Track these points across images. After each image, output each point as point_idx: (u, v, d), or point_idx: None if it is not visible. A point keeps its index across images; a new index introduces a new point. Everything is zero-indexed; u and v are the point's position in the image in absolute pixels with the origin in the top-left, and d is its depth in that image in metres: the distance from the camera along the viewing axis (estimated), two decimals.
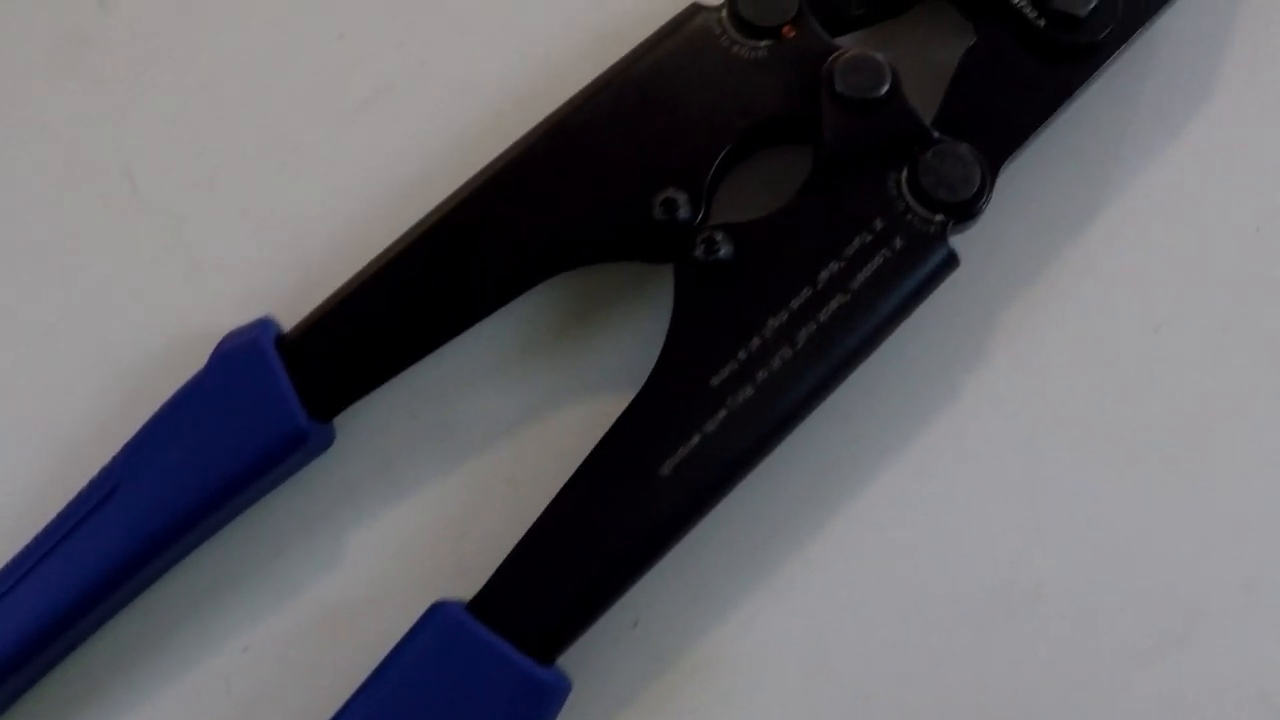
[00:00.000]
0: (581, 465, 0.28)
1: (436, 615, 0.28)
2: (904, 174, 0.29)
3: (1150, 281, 0.31)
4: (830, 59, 0.30)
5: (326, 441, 0.31)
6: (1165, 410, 0.31)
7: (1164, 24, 0.32)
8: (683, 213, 0.29)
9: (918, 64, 0.32)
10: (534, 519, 0.29)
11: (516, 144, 0.30)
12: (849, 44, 0.31)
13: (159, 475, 0.30)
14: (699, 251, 0.29)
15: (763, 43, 0.30)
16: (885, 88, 0.29)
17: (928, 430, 0.30)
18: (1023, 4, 0.30)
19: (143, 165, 0.33)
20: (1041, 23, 0.30)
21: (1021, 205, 0.32)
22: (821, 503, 0.30)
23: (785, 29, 0.30)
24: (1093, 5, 0.30)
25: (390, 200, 0.32)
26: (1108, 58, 0.31)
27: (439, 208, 0.30)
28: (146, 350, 0.32)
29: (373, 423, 0.31)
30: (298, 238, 0.32)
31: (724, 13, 0.30)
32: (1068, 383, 0.31)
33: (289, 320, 0.30)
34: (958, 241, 0.30)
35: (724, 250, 0.29)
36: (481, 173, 0.31)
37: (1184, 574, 0.30)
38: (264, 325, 0.30)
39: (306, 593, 0.30)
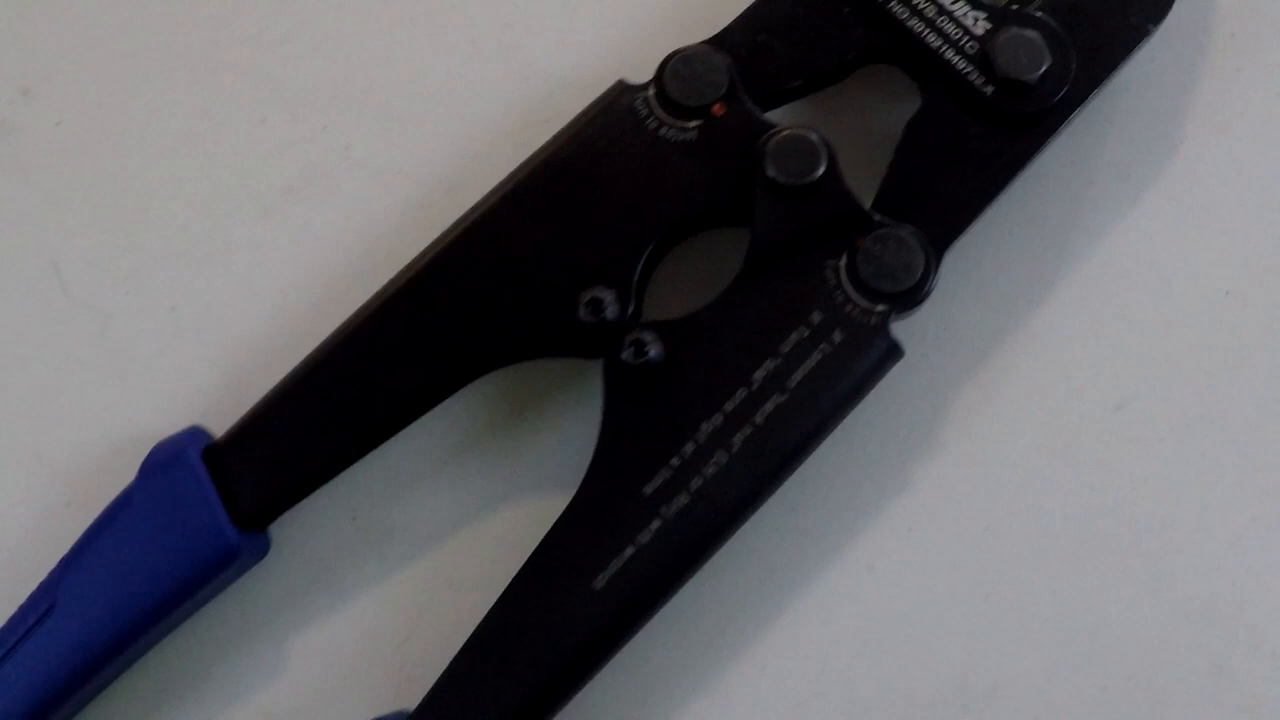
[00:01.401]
0: (514, 579, 0.27)
1: None
2: (842, 261, 0.27)
3: (1112, 356, 0.29)
4: (762, 140, 0.28)
5: (262, 550, 0.30)
6: (1127, 493, 0.29)
7: (1123, 77, 0.29)
8: (610, 312, 0.27)
9: (861, 131, 0.30)
10: (477, 622, 0.27)
11: (440, 239, 0.29)
12: (785, 118, 0.28)
13: (94, 594, 0.29)
14: (627, 354, 0.27)
15: (692, 123, 0.28)
16: (819, 171, 0.27)
17: (877, 523, 0.28)
18: (969, 70, 0.28)
19: (70, 260, 0.32)
20: (989, 90, 0.28)
21: (972, 279, 0.30)
22: (768, 599, 0.29)
23: (715, 107, 0.28)
24: (1043, 69, 0.28)
25: (317, 294, 0.31)
26: (1062, 123, 0.28)
27: (363, 307, 0.29)
28: (79, 454, 0.31)
29: (310, 526, 0.30)
30: (225, 336, 0.31)
31: (651, 92, 0.28)
32: (1023, 469, 0.29)
33: (221, 422, 0.29)
34: (903, 325, 0.28)
35: (653, 351, 0.27)
36: (406, 270, 0.29)
37: (1147, 664, 0.28)
38: (192, 435, 0.29)
39: (248, 702, 0.29)
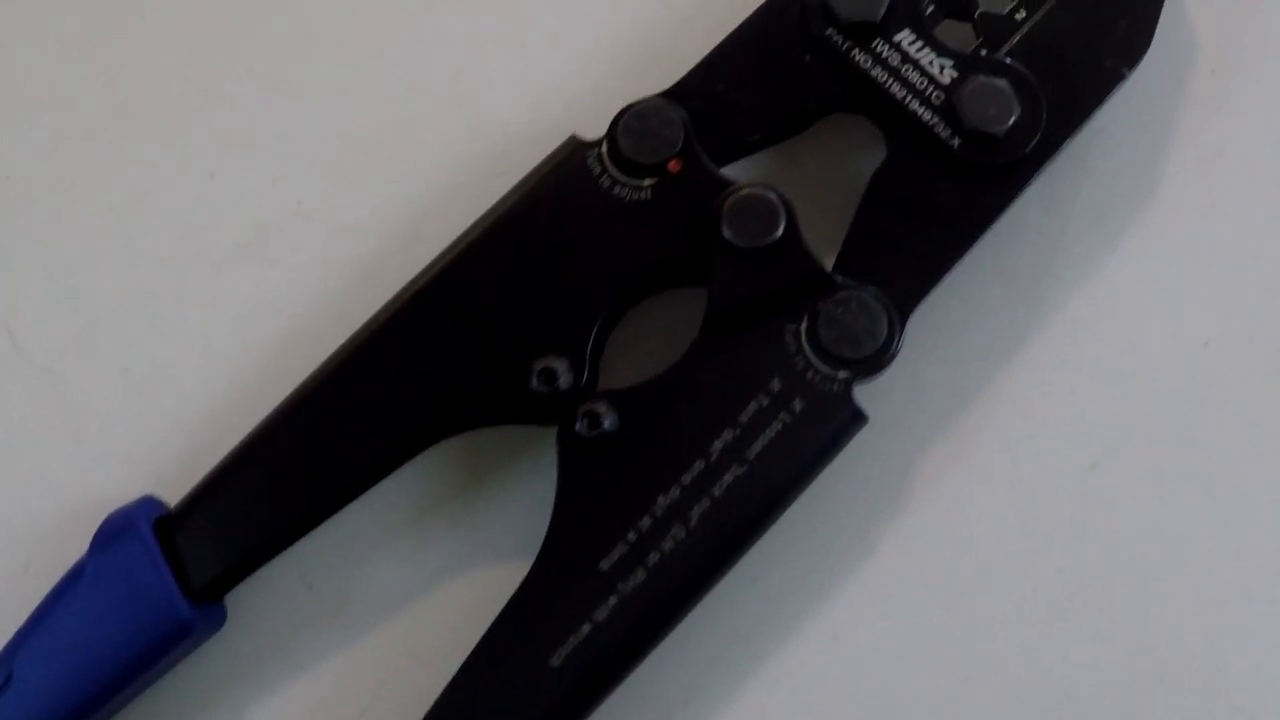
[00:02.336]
0: (470, 656, 0.26)
1: None
2: (803, 326, 0.26)
3: (1086, 412, 0.28)
4: (719, 199, 0.26)
5: (218, 621, 0.29)
6: (1102, 554, 0.27)
7: (1098, 119, 0.28)
8: (563, 382, 0.26)
9: (824, 181, 0.28)
10: (437, 692, 0.26)
11: (390, 304, 0.27)
12: (744, 170, 0.27)
13: (50, 668, 0.28)
14: (581, 426, 0.26)
15: (645, 181, 0.27)
16: (778, 232, 0.26)
17: (845, 589, 0.27)
18: (934, 122, 0.27)
19: (22, 320, 0.30)
20: (956, 142, 0.26)
21: (941, 334, 0.28)
22: (733, 667, 0.28)
23: (670, 164, 0.27)
24: (1012, 121, 0.26)
25: (272, 354, 0.29)
26: (1033, 175, 0.27)
27: (315, 373, 0.28)
28: (36, 518, 0.30)
29: (267, 594, 0.29)
30: (180, 397, 0.29)
31: (604, 148, 0.27)
32: (995, 531, 0.28)
33: (177, 485, 0.28)
34: (868, 384, 0.27)
35: (608, 422, 0.26)
36: (356, 335, 0.28)
37: None
38: (144, 507, 0.28)
39: None
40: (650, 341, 0.28)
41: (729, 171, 0.28)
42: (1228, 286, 0.29)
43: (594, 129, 0.28)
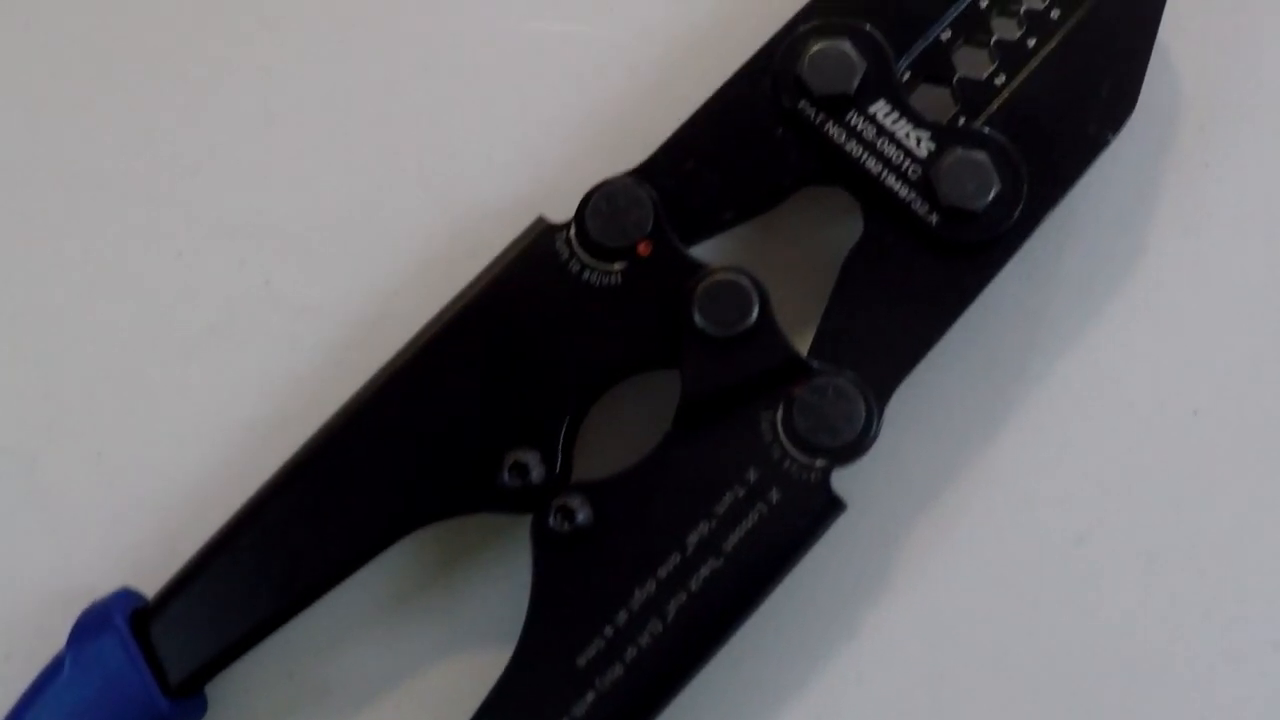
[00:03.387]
0: None
1: None
2: (778, 414, 0.25)
3: (1072, 487, 0.27)
4: (690, 283, 0.25)
5: (197, 713, 0.28)
6: (1089, 633, 0.26)
7: (1082, 185, 0.27)
8: (535, 475, 0.25)
9: (800, 255, 0.27)
10: None
11: (362, 391, 0.26)
12: (717, 246, 0.26)
13: None
14: (554, 521, 0.25)
15: (615, 265, 0.26)
16: (750, 319, 0.25)
17: (826, 673, 0.26)
18: (912, 198, 0.26)
19: None
20: (934, 219, 0.25)
21: (921, 411, 0.27)
22: None
23: (640, 246, 0.25)
24: (991, 196, 0.25)
25: (244, 439, 0.28)
26: (1014, 251, 0.26)
27: (288, 464, 0.27)
28: (14, 606, 0.29)
29: (247, 683, 0.28)
30: (155, 483, 0.29)
31: (572, 232, 0.26)
32: (979, 611, 0.27)
33: (154, 573, 0.28)
34: (848, 467, 0.26)
35: (582, 515, 0.25)
36: (328, 424, 0.27)
37: None
38: (121, 598, 0.27)
39: None
40: (625, 425, 0.27)
41: (702, 249, 0.26)
42: (1217, 353, 0.27)
43: (564, 203, 0.27)
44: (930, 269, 0.25)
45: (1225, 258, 0.28)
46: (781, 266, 0.27)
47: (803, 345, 0.26)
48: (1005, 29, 0.27)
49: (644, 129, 0.27)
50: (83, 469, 0.30)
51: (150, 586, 0.28)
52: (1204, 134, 0.28)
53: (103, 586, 0.28)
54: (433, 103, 0.29)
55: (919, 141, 0.26)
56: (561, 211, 0.27)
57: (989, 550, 0.27)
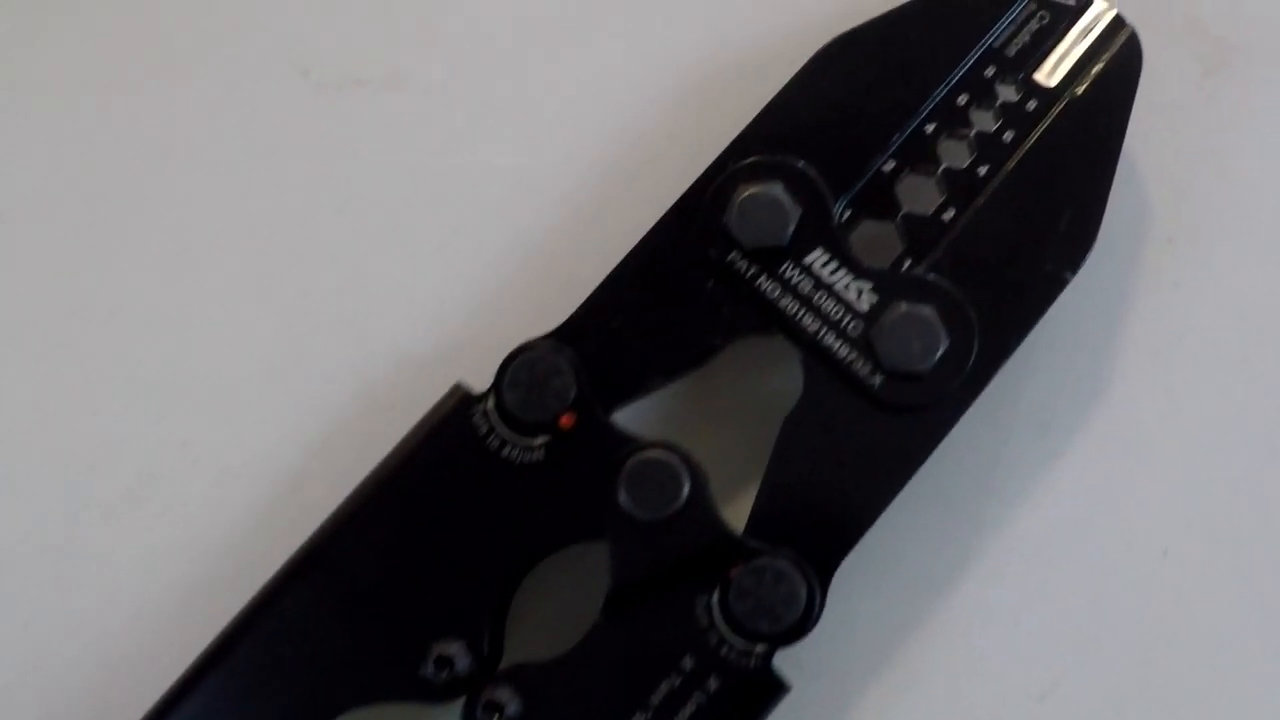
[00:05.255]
0: None
1: None
2: (714, 598, 0.23)
3: (1034, 638, 0.25)
4: (617, 459, 0.23)
5: None
6: None
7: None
8: (461, 665, 0.23)
9: (737, 408, 0.25)
10: None
11: (280, 573, 0.24)
12: (646, 409, 0.24)
13: None
14: (482, 714, 0.23)
15: (537, 440, 0.23)
16: (680, 501, 0.22)
17: None
18: (852, 358, 0.23)
19: None
20: (877, 380, 0.23)
21: (872, 565, 0.25)
22: None
23: (563, 419, 0.23)
24: (938, 355, 0.23)
25: (171, 608, 0.26)
26: (967, 406, 0.23)
27: (207, 650, 0.24)
28: None
29: None
30: (83, 653, 0.26)
31: (490, 404, 0.23)
32: None
33: None
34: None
35: (512, 708, 0.23)
36: (249, 606, 0.24)
37: None
38: None
39: None
40: (558, 598, 0.24)
41: (633, 408, 0.24)
42: (1187, 488, 0.25)
43: (492, 347, 0.24)
44: (874, 432, 0.23)
45: (1196, 385, 0.25)
46: (718, 421, 0.24)
47: (741, 512, 0.24)
48: (954, 155, 0.24)
49: (572, 270, 0.25)
50: (10, 638, 0.27)
51: None
52: (1173, 249, 0.25)
53: None
54: (349, 248, 0.27)
55: (860, 294, 0.23)
56: (488, 355, 0.25)
57: (947, 708, 0.25)
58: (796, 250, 0.23)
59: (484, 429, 0.23)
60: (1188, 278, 0.25)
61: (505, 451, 0.23)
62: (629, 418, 0.25)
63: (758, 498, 0.23)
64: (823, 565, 0.23)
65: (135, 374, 0.27)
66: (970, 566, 0.25)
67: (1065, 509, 0.25)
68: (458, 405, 0.24)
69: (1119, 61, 0.25)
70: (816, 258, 0.23)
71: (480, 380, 0.25)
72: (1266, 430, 0.25)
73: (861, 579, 0.25)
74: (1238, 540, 0.25)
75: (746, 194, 0.23)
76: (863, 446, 0.23)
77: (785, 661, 0.23)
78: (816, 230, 0.23)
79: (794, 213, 0.23)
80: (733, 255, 0.23)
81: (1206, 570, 0.25)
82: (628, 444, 0.23)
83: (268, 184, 0.27)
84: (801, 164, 0.23)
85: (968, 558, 0.25)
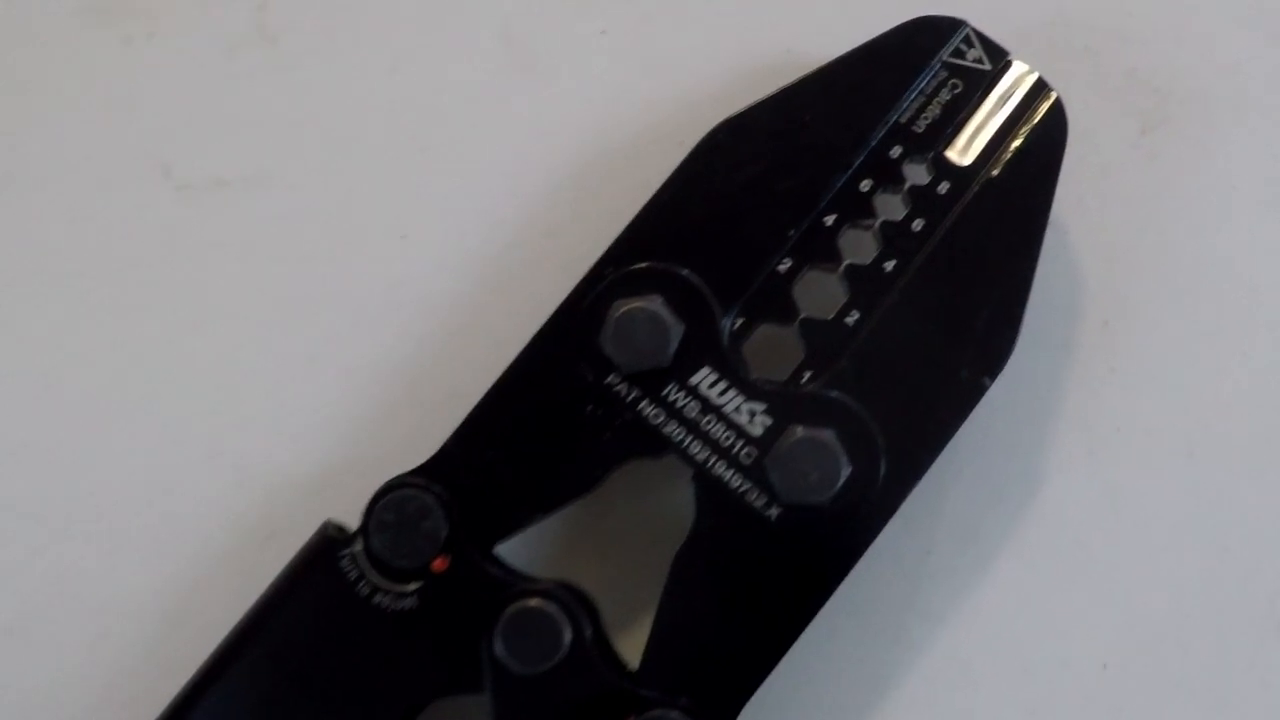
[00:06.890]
0: None
1: None
2: None
3: None
4: (495, 604, 0.20)
5: None
6: None
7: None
8: None
9: (629, 533, 0.22)
10: None
11: None
12: (528, 542, 0.21)
13: None
14: None
15: (410, 586, 0.21)
16: (560, 653, 0.20)
17: None
18: (746, 488, 0.20)
19: None
20: (773, 513, 0.20)
21: (783, 702, 0.22)
22: None
23: (435, 563, 0.21)
24: (840, 484, 0.20)
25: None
26: (875, 535, 0.20)
27: None
28: None
29: None
30: None
31: (359, 547, 0.21)
32: None
33: None
34: None
35: None
36: None
37: None
38: None
39: None
40: None
41: (516, 541, 0.21)
42: (1129, 594, 0.22)
43: (362, 471, 0.22)
44: (772, 568, 0.20)
45: (1137, 482, 0.22)
46: (610, 546, 0.22)
47: (639, 644, 0.21)
48: (857, 249, 0.21)
49: (452, 382, 0.23)
50: None
51: None
52: (1108, 330, 0.23)
53: None
54: (216, 359, 0.24)
55: (752, 416, 0.20)
56: (365, 476, 0.22)
57: None
58: (680, 370, 0.20)
59: (353, 575, 0.21)
60: (1125, 361, 0.22)
61: (376, 599, 0.21)
62: (513, 548, 0.22)
63: (650, 639, 0.21)
64: (720, 715, 0.21)
65: (11, 506, 0.25)
66: (891, 694, 0.22)
67: (995, 624, 0.22)
68: (324, 549, 0.21)
69: (1042, 132, 0.22)
70: (703, 378, 0.21)
71: (358, 501, 0.22)
72: (1215, 528, 0.23)
73: (773, 711, 0.23)
74: (1185, 650, 0.23)
75: (623, 310, 0.20)
76: (760, 583, 0.20)
77: None
78: (703, 347, 0.20)
79: (676, 329, 0.20)
80: (610, 378, 0.21)
81: (1150, 686, 0.22)
82: (507, 587, 0.21)
83: (127, 297, 0.24)
84: (685, 272, 0.21)
85: (888, 684, 0.22)
